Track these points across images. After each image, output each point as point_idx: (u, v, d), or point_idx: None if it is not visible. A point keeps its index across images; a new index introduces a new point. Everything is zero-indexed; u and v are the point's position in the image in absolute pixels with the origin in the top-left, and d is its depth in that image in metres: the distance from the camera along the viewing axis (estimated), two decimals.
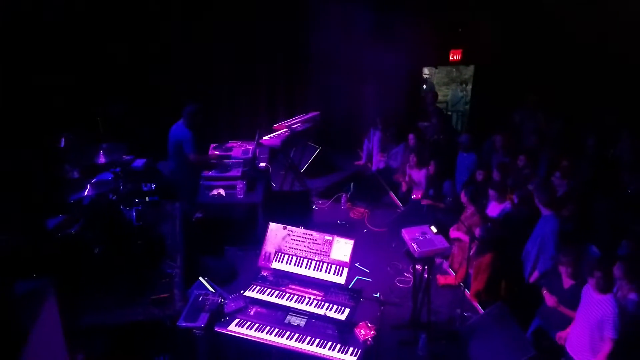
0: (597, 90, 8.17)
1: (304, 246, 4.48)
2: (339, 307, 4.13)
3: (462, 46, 9.33)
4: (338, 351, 3.83)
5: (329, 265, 4.39)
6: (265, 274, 4.48)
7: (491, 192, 5.78)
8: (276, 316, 4.14)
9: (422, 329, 4.86)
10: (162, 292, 4.24)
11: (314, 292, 4.28)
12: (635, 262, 4.18)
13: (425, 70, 10.10)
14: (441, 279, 5.83)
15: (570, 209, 5.57)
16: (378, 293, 5.37)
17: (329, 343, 3.89)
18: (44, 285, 2.84)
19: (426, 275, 4.80)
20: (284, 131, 7.03)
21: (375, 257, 6.25)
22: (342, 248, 4.39)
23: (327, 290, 4.29)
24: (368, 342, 3.87)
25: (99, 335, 3.99)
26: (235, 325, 4.03)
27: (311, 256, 4.45)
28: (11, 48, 6.48)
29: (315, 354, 3.83)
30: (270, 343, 3.93)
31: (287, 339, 3.93)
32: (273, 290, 4.31)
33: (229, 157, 6.52)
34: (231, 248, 6.24)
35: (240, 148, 6.70)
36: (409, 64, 8.70)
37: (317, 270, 4.38)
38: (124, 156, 5.50)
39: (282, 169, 7.86)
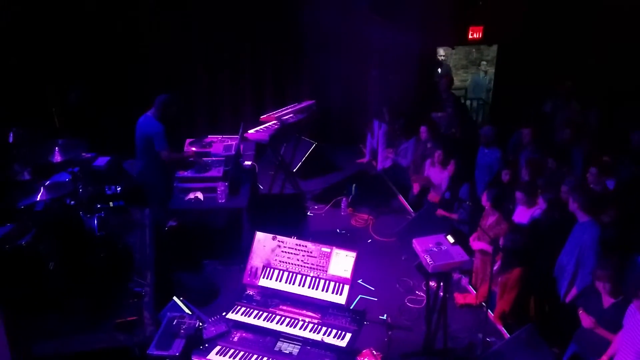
0: None
1: (297, 260, 4.48)
2: (339, 332, 4.13)
3: (484, 22, 9.36)
4: None
5: (327, 282, 4.39)
6: (251, 293, 4.48)
7: (519, 195, 5.80)
8: (264, 343, 4.13)
9: (437, 358, 4.87)
10: (129, 315, 4.23)
11: (309, 313, 4.29)
12: None
13: (441, 51, 10.14)
14: (460, 298, 5.85)
15: (611, 213, 5.59)
16: (385, 315, 5.38)
17: None
18: None
19: (442, 294, 4.81)
20: (273, 123, 7.04)
21: (381, 273, 6.26)
22: (343, 262, 4.40)
23: (325, 311, 4.30)
24: None
25: None
26: (216, 354, 4.03)
27: (306, 271, 4.45)
28: None
29: None
30: None
31: None
32: (261, 312, 4.32)
33: (208, 155, 6.53)
34: (211, 262, 6.25)
35: (221, 143, 6.72)
36: (420, 43, 8.74)
37: (312, 288, 4.38)
38: (83, 154, 5.50)
39: (271, 168, 7.88)
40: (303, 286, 4.40)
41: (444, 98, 8.61)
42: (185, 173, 6.27)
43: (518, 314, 5.36)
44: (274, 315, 4.29)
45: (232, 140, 6.75)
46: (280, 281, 4.45)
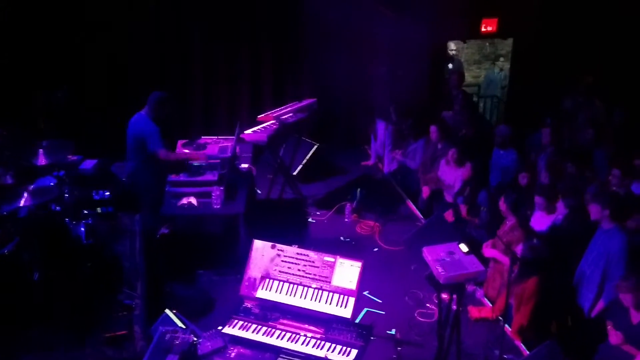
0: None
1: (299, 270, 4.50)
2: (344, 348, 4.14)
3: (498, 14, 9.38)
4: None
5: (331, 294, 4.40)
6: (249, 306, 4.50)
7: (538, 200, 5.81)
8: (263, 359, 4.14)
9: None
10: (118, 329, 4.25)
11: (312, 328, 4.30)
12: None
13: (452, 45, 10.16)
14: (474, 312, 5.85)
15: (637, 219, 5.59)
16: (393, 330, 5.39)
17: None
18: None
19: (455, 307, 4.81)
20: (272, 123, 7.06)
21: (389, 284, 6.27)
22: (347, 272, 4.41)
23: (329, 325, 4.31)
24: None
25: None
26: None
27: (307, 282, 4.46)
28: None
29: None
30: None
31: None
32: (259, 326, 4.33)
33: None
34: (206, 272, 6.25)
35: (216, 145, 6.72)
36: (430, 37, 8.76)
37: (315, 301, 4.39)
38: (69, 156, 5.52)
39: (270, 172, 7.90)
40: (305, 298, 4.41)
41: (452, 95, 8.64)
42: (178, 177, 6.26)
43: (538, 329, 5.35)
44: (273, 330, 4.30)
45: (227, 142, 6.76)
46: (280, 293, 4.46)
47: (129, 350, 4.16)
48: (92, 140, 6.41)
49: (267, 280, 4.52)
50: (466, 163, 7.24)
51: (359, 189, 7.94)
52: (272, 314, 4.41)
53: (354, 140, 9.79)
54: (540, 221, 5.82)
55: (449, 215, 6.89)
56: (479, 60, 10.79)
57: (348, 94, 9.34)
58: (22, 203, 4.57)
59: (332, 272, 4.43)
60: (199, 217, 6.14)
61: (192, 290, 5.89)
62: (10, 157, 5.29)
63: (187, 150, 6.57)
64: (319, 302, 4.38)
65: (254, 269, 4.55)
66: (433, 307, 5.84)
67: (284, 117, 7.20)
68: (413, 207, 7.90)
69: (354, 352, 4.10)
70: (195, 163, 6.26)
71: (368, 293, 6.03)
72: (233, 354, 4.18)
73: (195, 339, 4.21)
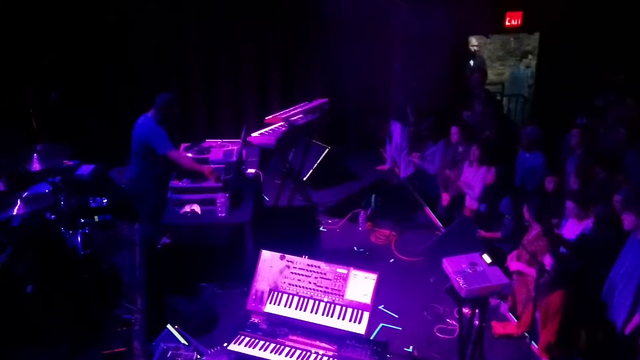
0: None
1: (309, 282, 4.51)
2: None
3: (523, 7, 9.37)
4: None
5: (344, 308, 4.41)
6: (256, 321, 4.51)
7: (569, 206, 5.78)
8: None
9: None
10: (117, 346, 4.27)
11: (324, 345, 4.30)
12: None
13: (473, 41, 10.15)
14: (498, 328, 5.83)
15: None
16: (411, 347, 5.38)
17: None
18: None
19: (477, 323, 4.80)
20: (280, 125, 7.09)
21: (406, 298, 6.26)
22: (361, 285, 4.42)
23: (342, 342, 4.31)
24: None
25: None
26: None
27: (319, 296, 4.47)
28: None
29: None
30: None
31: None
32: (267, 343, 4.34)
33: (206, 161, 6.57)
34: (210, 285, 6.28)
35: (220, 149, 6.74)
36: (450, 32, 8.76)
37: (327, 316, 4.40)
38: (65, 161, 5.56)
39: (278, 177, 7.92)
40: (316, 313, 4.42)
41: (476, 94, 8.61)
42: (181, 183, 6.26)
43: (567, 346, 5.32)
44: (282, 347, 4.30)
45: (233, 145, 6.78)
46: (289, 307, 4.47)
47: None
48: (89, 145, 6.45)
49: (276, 293, 4.53)
50: (490, 166, 7.21)
51: (373, 196, 7.96)
52: (281, 329, 4.42)
53: (368, 143, 9.79)
54: (572, 229, 5.78)
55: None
56: (502, 57, 10.76)
57: (362, 94, 9.35)
58: (15, 211, 4.60)
59: (345, 284, 4.44)
60: (203, 226, 6.15)
61: (195, 305, 5.90)
62: (3, 163, 5.34)
63: (190, 155, 6.59)
64: (331, 317, 4.39)
65: (262, 281, 4.57)
66: (454, 322, 5.82)
67: (293, 118, 7.21)
68: (432, 215, 7.89)
69: None
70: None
71: (383, 307, 6.02)
72: None
73: (198, 356, 4.24)
